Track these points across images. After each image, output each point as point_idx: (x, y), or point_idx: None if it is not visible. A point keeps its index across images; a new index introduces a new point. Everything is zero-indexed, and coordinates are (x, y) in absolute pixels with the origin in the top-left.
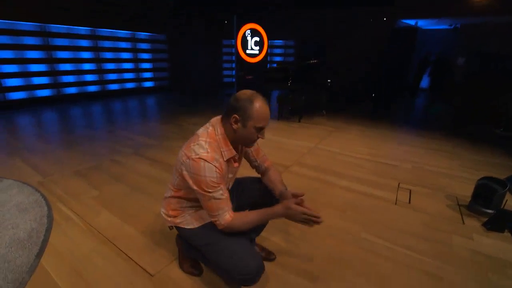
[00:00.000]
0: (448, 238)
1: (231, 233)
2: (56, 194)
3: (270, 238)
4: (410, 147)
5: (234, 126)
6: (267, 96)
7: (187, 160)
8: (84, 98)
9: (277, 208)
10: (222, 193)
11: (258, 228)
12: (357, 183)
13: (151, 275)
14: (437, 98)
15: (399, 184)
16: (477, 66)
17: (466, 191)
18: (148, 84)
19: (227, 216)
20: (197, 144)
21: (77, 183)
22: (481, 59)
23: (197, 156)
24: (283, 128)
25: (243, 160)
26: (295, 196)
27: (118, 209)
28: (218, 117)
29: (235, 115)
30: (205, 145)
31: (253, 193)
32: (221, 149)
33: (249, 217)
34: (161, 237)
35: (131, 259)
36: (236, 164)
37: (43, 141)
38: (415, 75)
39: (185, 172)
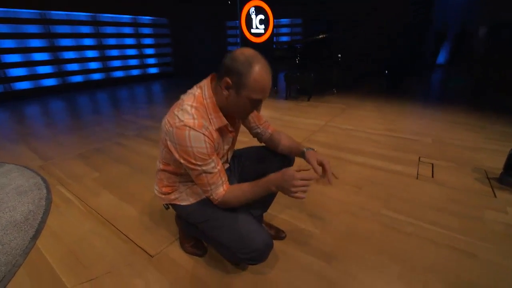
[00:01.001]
0: (479, 213)
1: (231, 208)
2: (56, 177)
3: (278, 215)
4: (430, 121)
5: (225, 93)
6: (274, 78)
7: (171, 129)
8: (90, 87)
9: (273, 175)
10: (214, 166)
11: (263, 203)
12: (373, 159)
13: (151, 256)
14: (457, 71)
15: (419, 158)
16: (499, 35)
17: (495, 163)
18: (153, 70)
19: (220, 189)
20: (182, 110)
21: (78, 165)
22: (502, 28)
23: (182, 123)
24: (291, 107)
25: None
26: (320, 164)
27: (118, 190)
28: (208, 78)
29: (227, 79)
30: (191, 110)
31: (256, 171)
32: (209, 116)
33: (242, 189)
34: (162, 217)
35: (131, 239)
36: (232, 134)
37: (47, 128)
38: (433, 50)
39: (169, 143)
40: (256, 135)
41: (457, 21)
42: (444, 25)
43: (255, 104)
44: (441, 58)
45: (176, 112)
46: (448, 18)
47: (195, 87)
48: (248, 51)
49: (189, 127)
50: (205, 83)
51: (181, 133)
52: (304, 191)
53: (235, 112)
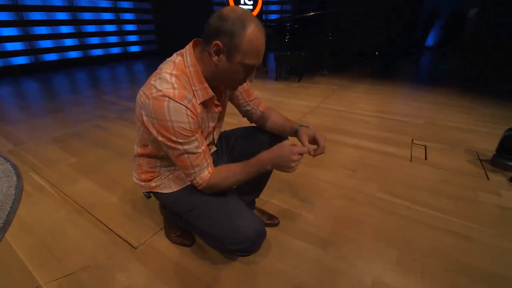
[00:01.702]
0: (474, 195)
1: (220, 193)
2: (28, 163)
3: (270, 200)
4: (421, 103)
5: (215, 59)
6: (263, 58)
7: (147, 100)
8: (65, 66)
9: (267, 153)
10: (198, 145)
11: (256, 187)
12: (366, 141)
13: (134, 247)
14: (448, 54)
15: (412, 140)
16: (490, 18)
17: (486, 145)
18: (135, 48)
19: (205, 172)
20: (159, 78)
21: (53, 150)
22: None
23: (160, 93)
24: (282, 88)
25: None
26: (313, 137)
27: (97, 176)
28: (190, 44)
29: (217, 42)
30: (171, 79)
31: (248, 150)
32: (193, 87)
33: (231, 170)
34: (145, 205)
35: (111, 230)
36: (218, 109)
37: (18, 110)
38: (422, 31)
39: (145, 118)
40: (245, 113)
41: (449, 2)
42: (435, 6)
43: (248, 71)
44: (431, 40)
45: (152, 82)
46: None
47: (175, 55)
48: (238, 9)
49: (168, 97)
50: (187, 49)
51: (159, 105)
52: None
53: (225, 81)
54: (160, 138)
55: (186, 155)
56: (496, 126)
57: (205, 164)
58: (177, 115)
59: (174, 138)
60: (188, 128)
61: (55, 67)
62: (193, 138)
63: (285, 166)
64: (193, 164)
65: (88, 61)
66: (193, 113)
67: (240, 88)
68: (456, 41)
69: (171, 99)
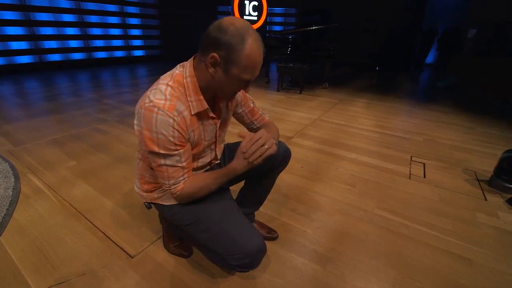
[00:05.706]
0: (472, 216)
1: (222, 207)
2: (27, 164)
3: (269, 213)
4: (420, 120)
5: (211, 70)
6: (265, 70)
7: (140, 110)
8: (69, 66)
9: (232, 163)
10: (179, 160)
11: (257, 200)
12: (366, 156)
13: (130, 256)
14: (446, 71)
15: (411, 157)
16: (488, 37)
17: (484, 165)
18: (139, 52)
19: (180, 185)
20: (155, 89)
21: (53, 152)
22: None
23: (151, 104)
24: (283, 100)
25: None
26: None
27: (96, 180)
28: (193, 56)
29: (214, 55)
30: (166, 90)
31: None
32: (188, 98)
33: (204, 180)
34: (144, 212)
35: (108, 237)
36: (215, 121)
37: (19, 109)
38: (420, 48)
39: (136, 127)
40: (251, 130)
41: (447, 21)
42: (432, 24)
43: (244, 84)
44: (431, 57)
45: (148, 92)
46: (438, 18)
47: (178, 66)
48: (238, 22)
49: (158, 108)
50: (190, 60)
51: (149, 115)
52: (265, 150)
53: (219, 91)
54: (144, 148)
55: (164, 167)
56: (493, 146)
57: (181, 179)
58: (163, 127)
59: (156, 149)
60: (172, 141)
61: (58, 68)
62: (176, 152)
63: (246, 166)
64: (170, 176)
65: (91, 63)
66: (180, 127)
67: (245, 109)
68: (454, 59)
69: (160, 110)
